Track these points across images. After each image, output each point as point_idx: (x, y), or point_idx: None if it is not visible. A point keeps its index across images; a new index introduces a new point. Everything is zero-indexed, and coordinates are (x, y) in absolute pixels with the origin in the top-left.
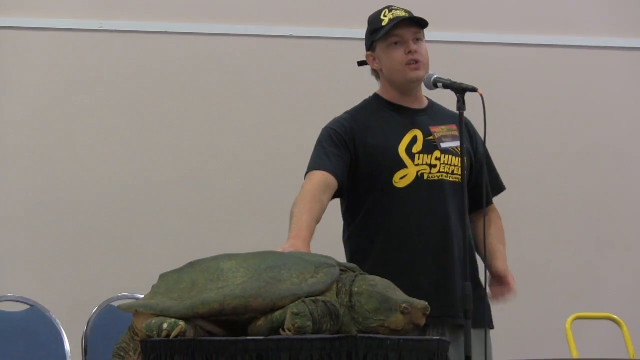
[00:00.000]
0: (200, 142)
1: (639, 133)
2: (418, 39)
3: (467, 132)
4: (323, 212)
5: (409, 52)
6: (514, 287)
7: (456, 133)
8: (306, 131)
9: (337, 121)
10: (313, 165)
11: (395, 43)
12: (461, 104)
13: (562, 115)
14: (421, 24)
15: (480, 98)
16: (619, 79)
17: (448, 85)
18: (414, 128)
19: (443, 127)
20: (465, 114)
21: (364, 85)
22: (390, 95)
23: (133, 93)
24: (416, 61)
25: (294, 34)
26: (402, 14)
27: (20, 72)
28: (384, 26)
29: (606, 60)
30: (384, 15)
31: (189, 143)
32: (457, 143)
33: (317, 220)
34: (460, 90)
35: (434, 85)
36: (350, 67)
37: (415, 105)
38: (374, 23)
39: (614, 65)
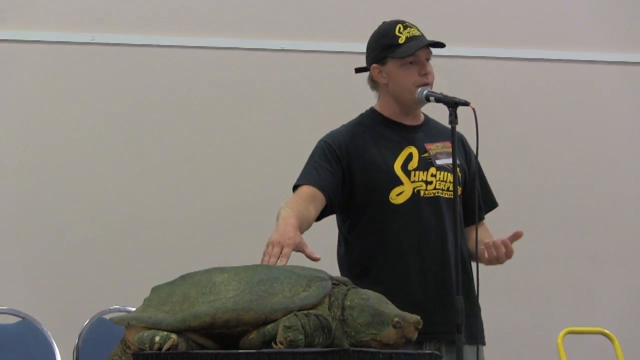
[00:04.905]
0: (192, 155)
1: (631, 148)
2: (428, 59)
3: (462, 147)
4: (310, 222)
5: (425, 74)
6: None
7: (451, 150)
8: (297, 144)
9: (332, 135)
10: (300, 180)
11: (411, 63)
12: (453, 118)
13: (554, 129)
14: (439, 46)
15: (472, 112)
16: (611, 93)
17: (440, 99)
18: (409, 145)
19: (438, 144)
20: (458, 128)
21: (357, 99)
22: (389, 112)
23: (124, 106)
24: (426, 83)
25: (284, 48)
26: (416, 32)
27: (11, 85)
28: (401, 44)
29: (597, 75)
30: (400, 32)
31: (181, 156)
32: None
33: (305, 225)
34: (453, 104)
35: (426, 99)
36: (343, 81)
37: (412, 122)
38: (387, 37)
39: (606, 80)
